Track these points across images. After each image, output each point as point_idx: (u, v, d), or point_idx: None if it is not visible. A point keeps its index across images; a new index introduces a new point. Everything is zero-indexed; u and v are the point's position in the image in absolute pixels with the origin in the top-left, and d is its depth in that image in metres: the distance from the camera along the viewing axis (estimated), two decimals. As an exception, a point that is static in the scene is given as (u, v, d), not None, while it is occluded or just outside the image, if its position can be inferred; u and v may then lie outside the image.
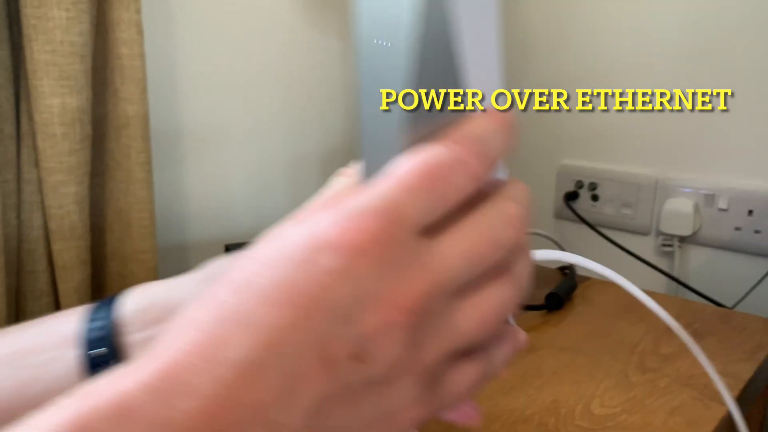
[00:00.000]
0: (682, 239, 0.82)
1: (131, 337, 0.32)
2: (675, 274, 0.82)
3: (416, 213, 0.20)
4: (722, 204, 0.78)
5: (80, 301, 0.60)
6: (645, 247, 0.86)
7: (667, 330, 0.59)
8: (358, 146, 0.25)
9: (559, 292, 0.64)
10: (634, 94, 0.82)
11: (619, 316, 0.63)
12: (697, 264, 0.82)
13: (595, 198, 0.89)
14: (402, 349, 0.20)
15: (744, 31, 0.74)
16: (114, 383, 0.19)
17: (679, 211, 0.80)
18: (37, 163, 0.57)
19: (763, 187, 0.75)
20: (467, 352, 0.22)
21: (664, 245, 0.83)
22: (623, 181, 0.86)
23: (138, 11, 0.60)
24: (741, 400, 0.49)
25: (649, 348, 0.56)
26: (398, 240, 0.20)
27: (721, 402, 0.46)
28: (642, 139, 0.84)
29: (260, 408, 0.19)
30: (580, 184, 0.90)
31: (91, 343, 0.31)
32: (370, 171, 0.24)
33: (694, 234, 0.80)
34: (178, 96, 0.73)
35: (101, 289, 0.65)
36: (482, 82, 0.25)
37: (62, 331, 0.32)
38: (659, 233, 0.84)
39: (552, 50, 0.90)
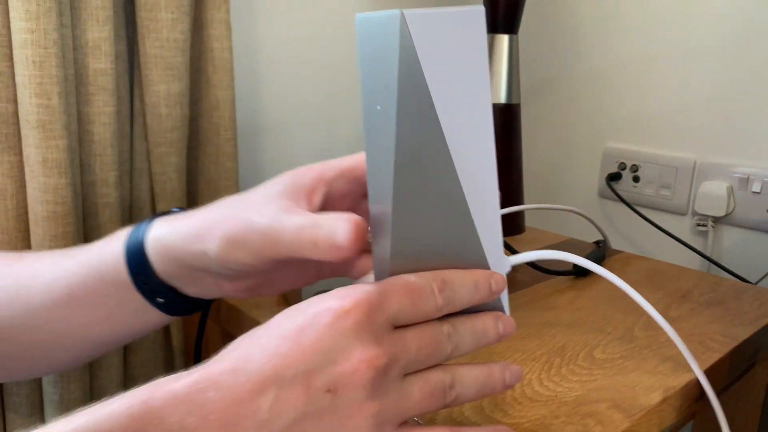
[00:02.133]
0: (716, 219, 0.87)
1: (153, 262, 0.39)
2: (708, 252, 0.87)
3: (392, 309, 0.30)
4: (755, 187, 0.82)
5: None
6: (681, 226, 0.91)
7: (680, 297, 0.66)
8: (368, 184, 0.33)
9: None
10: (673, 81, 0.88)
11: (639, 285, 0.70)
12: (730, 243, 0.87)
13: (636, 179, 0.94)
14: (362, 392, 0.28)
15: (782, 23, 0.78)
16: (169, 382, 0.28)
17: (714, 193, 0.85)
18: (146, 137, 0.69)
19: (795, 171, 0.79)
20: None
21: (699, 225, 0.88)
22: (663, 164, 0.91)
23: (227, 11, 0.71)
24: (734, 356, 0.56)
25: (659, 311, 0.63)
26: (376, 318, 0.29)
27: (711, 355, 0.54)
28: (682, 125, 0.89)
29: (249, 410, 0.27)
30: (622, 166, 0.96)
31: (129, 254, 0.39)
32: (373, 206, 0.33)
33: (728, 215, 0.85)
34: (260, 83, 0.85)
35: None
36: (472, 178, 0.31)
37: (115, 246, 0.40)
38: (695, 213, 0.89)
39: (599, 38, 0.96)
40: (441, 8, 0.29)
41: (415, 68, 0.29)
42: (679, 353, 0.54)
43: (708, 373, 0.52)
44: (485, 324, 0.34)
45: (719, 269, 0.84)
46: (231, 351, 0.30)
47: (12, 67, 0.56)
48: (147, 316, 0.41)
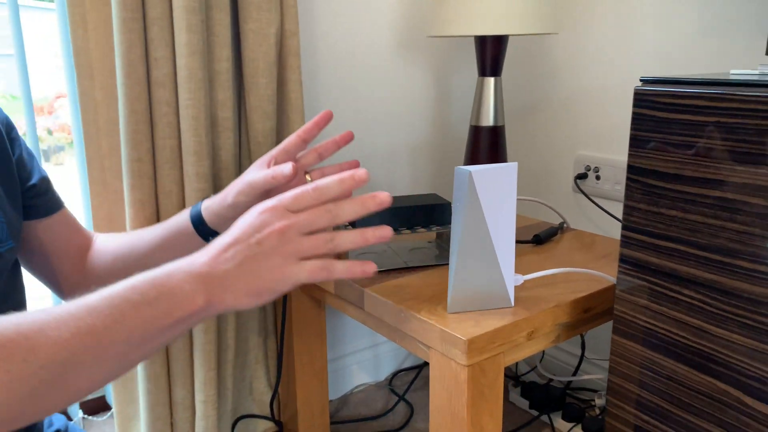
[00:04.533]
0: (651, 206, 1.18)
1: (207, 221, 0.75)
2: (647, 230, 1.18)
3: (288, 204, 0.56)
4: (676, 182, 1.13)
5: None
6: (630, 212, 1.23)
7: (601, 257, 0.99)
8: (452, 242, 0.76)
9: (541, 234, 1.05)
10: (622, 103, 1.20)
11: (577, 251, 1.03)
12: (661, 223, 1.18)
13: (598, 178, 1.27)
14: (276, 243, 0.54)
15: (699, 47, 1.09)
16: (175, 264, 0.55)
17: (648, 187, 1.17)
18: (249, 158, 1.07)
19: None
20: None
21: (640, 210, 1.20)
22: (615, 166, 1.23)
23: (300, 74, 1.07)
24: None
25: (581, 264, 0.96)
26: (279, 210, 0.55)
27: (604, 284, 0.87)
28: (627, 137, 1.21)
29: (221, 259, 0.54)
30: (588, 168, 1.28)
31: (193, 218, 0.75)
32: (452, 242, 0.75)
33: (659, 202, 1.17)
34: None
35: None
36: (500, 242, 0.76)
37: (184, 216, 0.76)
38: (637, 202, 1.20)
39: (568, 74, 1.29)
40: (493, 165, 0.71)
41: (474, 194, 0.71)
42: (579, 286, 0.87)
43: (598, 294, 0.85)
44: (364, 198, 0.56)
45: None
46: (213, 241, 0.56)
47: (178, 118, 0.95)
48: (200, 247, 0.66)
